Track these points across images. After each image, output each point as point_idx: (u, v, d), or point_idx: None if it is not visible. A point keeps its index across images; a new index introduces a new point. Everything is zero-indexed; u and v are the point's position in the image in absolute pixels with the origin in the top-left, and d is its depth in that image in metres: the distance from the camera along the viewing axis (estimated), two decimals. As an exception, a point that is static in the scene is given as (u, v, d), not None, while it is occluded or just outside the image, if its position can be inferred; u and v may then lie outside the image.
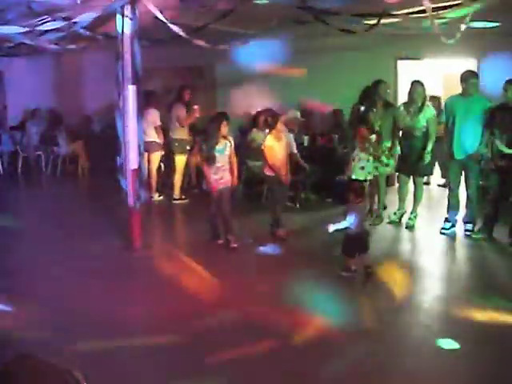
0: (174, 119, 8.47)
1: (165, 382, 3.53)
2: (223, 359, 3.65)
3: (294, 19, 6.57)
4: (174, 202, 8.40)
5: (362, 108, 7.33)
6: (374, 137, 6.57)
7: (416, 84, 6.64)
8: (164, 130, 8.73)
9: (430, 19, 5.40)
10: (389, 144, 6.91)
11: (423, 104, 6.62)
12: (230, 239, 6.05)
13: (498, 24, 6.91)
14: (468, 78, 6.26)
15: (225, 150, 6.00)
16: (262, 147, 6.29)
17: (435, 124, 6.66)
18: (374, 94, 7.03)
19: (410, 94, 6.68)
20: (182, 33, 5.77)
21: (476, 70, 7.17)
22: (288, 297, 4.66)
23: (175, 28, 5.69)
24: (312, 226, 7.05)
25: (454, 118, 6.34)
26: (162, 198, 8.72)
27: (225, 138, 5.99)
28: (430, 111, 6.68)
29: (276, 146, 6.23)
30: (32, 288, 4.99)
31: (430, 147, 6.58)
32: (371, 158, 6.52)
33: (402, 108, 6.87)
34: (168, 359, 3.69)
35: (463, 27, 6.35)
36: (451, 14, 5.85)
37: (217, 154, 5.91)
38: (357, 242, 5.06)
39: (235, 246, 6.00)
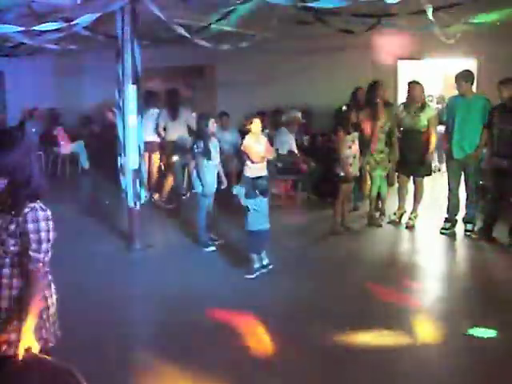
0: (183, 124, 8.20)
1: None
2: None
3: (293, 19, 6.58)
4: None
5: (344, 108, 7.42)
6: (355, 135, 6.48)
7: (414, 84, 6.64)
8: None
9: (430, 15, 5.39)
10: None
11: (424, 103, 6.62)
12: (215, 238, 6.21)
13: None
14: (457, 79, 6.28)
15: (217, 147, 6.07)
16: (242, 148, 6.24)
17: (436, 123, 6.66)
18: (373, 95, 7.01)
19: (409, 94, 6.67)
20: (184, 33, 5.78)
21: (475, 70, 7.20)
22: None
23: (177, 27, 5.70)
24: (309, 226, 7.06)
25: (454, 118, 6.35)
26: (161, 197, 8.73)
27: (214, 135, 6.09)
28: (430, 110, 6.67)
29: (255, 147, 6.13)
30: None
31: (432, 147, 6.58)
32: (357, 155, 6.49)
33: (401, 108, 6.86)
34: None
35: (463, 27, 6.37)
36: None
37: (212, 150, 5.94)
38: (261, 239, 5.24)
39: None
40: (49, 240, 2.28)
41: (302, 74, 9.93)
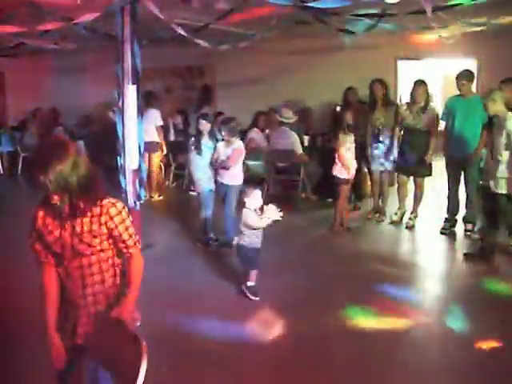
0: None
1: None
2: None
3: (293, 19, 6.57)
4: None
5: (338, 109, 7.56)
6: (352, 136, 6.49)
7: (419, 84, 6.63)
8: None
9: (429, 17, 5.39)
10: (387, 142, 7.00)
11: (427, 104, 6.61)
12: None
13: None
14: (459, 78, 6.29)
15: (211, 148, 6.04)
16: None
17: (438, 124, 6.66)
18: (371, 93, 7.13)
19: (413, 93, 6.66)
20: (183, 32, 5.77)
21: (475, 70, 7.21)
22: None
23: (176, 27, 5.69)
24: (309, 226, 7.06)
25: (454, 118, 6.35)
26: (161, 197, 8.76)
27: (207, 135, 6.06)
28: (433, 111, 6.67)
29: (217, 152, 5.99)
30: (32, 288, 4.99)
31: (432, 148, 6.58)
32: (353, 157, 6.49)
33: (404, 107, 6.87)
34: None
35: (463, 27, 6.37)
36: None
37: (204, 149, 5.99)
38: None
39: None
40: (132, 222, 2.56)
41: (303, 73, 9.93)
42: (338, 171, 6.43)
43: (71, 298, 2.54)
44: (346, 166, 6.37)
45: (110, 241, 2.51)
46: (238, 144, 5.99)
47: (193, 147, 6.09)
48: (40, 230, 2.45)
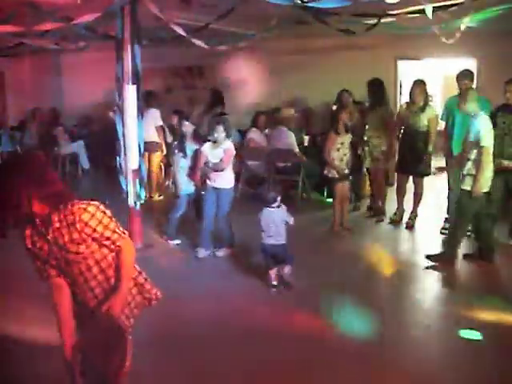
0: None
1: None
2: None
3: (293, 19, 6.57)
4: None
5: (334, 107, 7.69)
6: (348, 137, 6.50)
7: (418, 83, 6.64)
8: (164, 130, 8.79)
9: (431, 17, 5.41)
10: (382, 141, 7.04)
11: (425, 103, 6.62)
12: None
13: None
14: (459, 79, 6.29)
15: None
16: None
17: (436, 124, 6.67)
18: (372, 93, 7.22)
19: (412, 93, 6.67)
20: (183, 33, 5.77)
21: (475, 70, 7.22)
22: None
23: (176, 27, 5.70)
24: (309, 226, 7.06)
25: (454, 118, 6.35)
26: (161, 197, 8.76)
27: (190, 136, 6.07)
28: (431, 111, 6.67)
29: (204, 155, 5.73)
30: (31, 289, 4.99)
31: (430, 148, 6.58)
32: (345, 157, 6.49)
33: (403, 107, 6.90)
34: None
35: (463, 27, 6.37)
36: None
37: (188, 151, 6.01)
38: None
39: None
40: (111, 218, 2.44)
41: (303, 73, 9.93)
42: (328, 170, 6.49)
43: (84, 302, 2.55)
44: (332, 165, 6.40)
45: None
46: (229, 144, 5.71)
47: (176, 150, 6.07)
48: (31, 249, 2.43)
